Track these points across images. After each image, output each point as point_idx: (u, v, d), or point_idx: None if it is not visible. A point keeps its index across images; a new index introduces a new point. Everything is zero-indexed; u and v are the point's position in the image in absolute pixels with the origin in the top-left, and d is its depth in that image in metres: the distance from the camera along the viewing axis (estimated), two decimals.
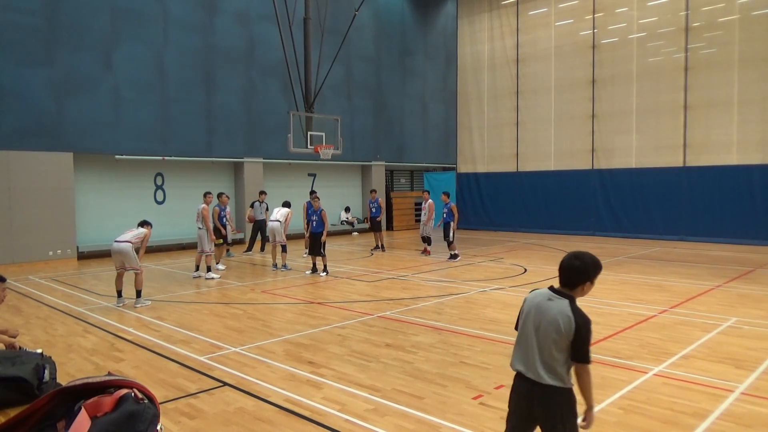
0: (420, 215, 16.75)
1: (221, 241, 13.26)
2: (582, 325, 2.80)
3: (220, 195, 13.41)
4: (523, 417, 2.95)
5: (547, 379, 2.82)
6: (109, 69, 15.90)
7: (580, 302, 2.95)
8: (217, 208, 13.15)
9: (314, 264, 12.47)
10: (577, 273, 2.90)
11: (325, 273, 12.07)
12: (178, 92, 17.43)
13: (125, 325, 7.92)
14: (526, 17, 21.53)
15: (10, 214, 14.14)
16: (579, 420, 2.93)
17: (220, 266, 13.28)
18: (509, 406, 3.03)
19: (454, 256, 14.18)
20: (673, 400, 4.79)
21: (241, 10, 18.99)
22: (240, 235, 18.60)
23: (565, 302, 2.86)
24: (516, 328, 3.07)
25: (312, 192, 15.59)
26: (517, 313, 3.11)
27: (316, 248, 12.13)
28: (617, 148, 19.17)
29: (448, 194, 14.79)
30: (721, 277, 10.97)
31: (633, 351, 6.23)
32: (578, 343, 2.80)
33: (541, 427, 2.92)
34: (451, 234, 14.23)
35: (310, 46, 16.96)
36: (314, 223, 12.07)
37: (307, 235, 12.51)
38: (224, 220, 13.31)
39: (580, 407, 2.94)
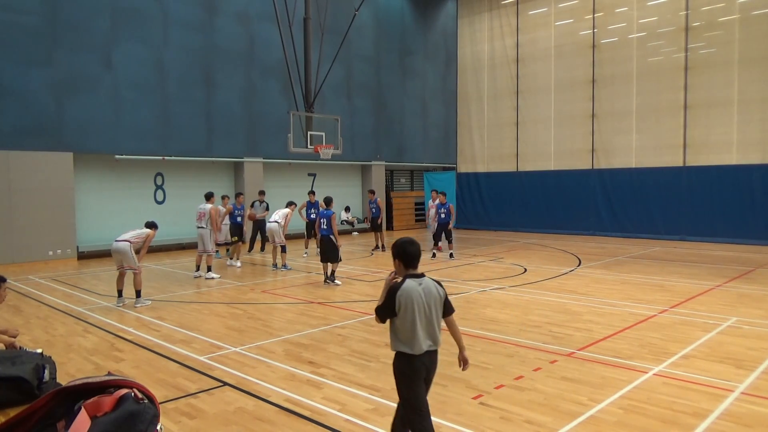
0: (423, 215, 16.99)
1: (236, 239, 14.12)
2: (443, 286, 3.56)
3: (237, 195, 14.95)
4: (424, 381, 3.47)
5: (438, 344, 3.48)
6: (109, 69, 15.90)
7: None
8: (230, 207, 14.18)
9: (326, 272, 11.01)
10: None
11: (337, 281, 10.95)
12: (178, 92, 17.43)
13: (125, 325, 7.92)
14: (526, 17, 21.52)
15: (10, 214, 14.14)
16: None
17: (237, 263, 13.84)
18: (415, 381, 3.41)
19: (434, 255, 14.79)
20: (673, 400, 4.79)
21: (241, 10, 18.99)
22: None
23: (427, 278, 3.48)
24: (384, 318, 3.43)
25: (312, 193, 15.57)
26: (401, 306, 3.38)
27: (332, 254, 10.74)
28: (617, 148, 19.17)
29: (444, 194, 15.09)
30: (721, 277, 10.97)
31: (633, 351, 6.22)
32: (447, 301, 3.53)
33: (427, 384, 3.53)
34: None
35: (310, 46, 16.96)
36: (324, 225, 10.88)
37: (318, 238, 11.29)
38: (239, 219, 14.32)
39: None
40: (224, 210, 14.41)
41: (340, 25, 19.20)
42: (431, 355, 3.46)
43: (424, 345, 3.39)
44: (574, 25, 20.14)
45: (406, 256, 3.46)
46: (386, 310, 3.40)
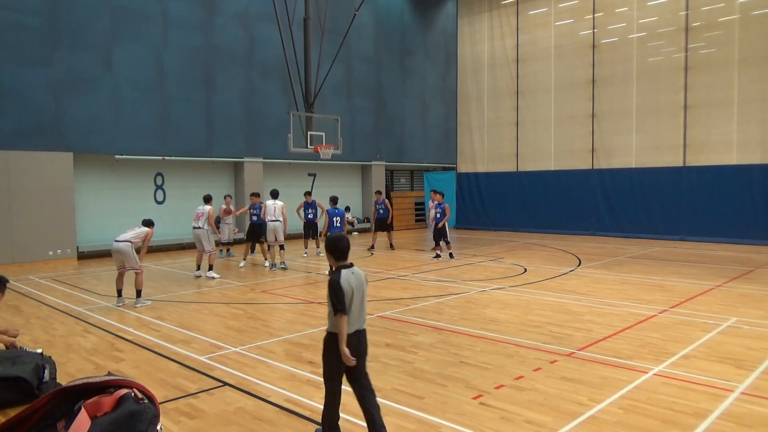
0: (424, 215, 16.68)
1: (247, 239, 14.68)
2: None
3: (251, 195, 14.66)
4: (356, 356, 3.91)
5: (365, 324, 4.05)
6: (109, 69, 15.90)
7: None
8: (248, 207, 14.70)
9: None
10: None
11: None
12: (178, 92, 17.43)
13: (125, 325, 7.92)
14: (526, 17, 21.52)
15: (10, 214, 14.14)
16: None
17: (241, 263, 14.05)
18: (338, 362, 3.86)
19: (438, 255, 14.58)
20: (673, 400, 4.79)
21: (241, 10, 18.99)
22: (240, 235, 18.57)
23: (356, 267, 4.07)
24: (346, 308, 3.86)
25: (308, 193, 15.49)
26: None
27: None
28: (617, 148, 19.17)
29: (442, 194, 15.04)
30: (721, 277, 10.97)
31: (633, 351, 6.22)
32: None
33: (361, 359, 3.97)
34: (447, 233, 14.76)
35: (310, 46, 16.96)
36: (338, 222, 11.56)
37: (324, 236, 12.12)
38: (254, 218, 14.33)
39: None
40: (235, 210, 14.90)
41: (340, 25, 19.20)
42: (359, 335, 3.97)
43: (356, 325, 3.93)
44: (574, 25, 20.14)
45: (337, 250, 4.04)
46: (342, 297, 3.87)
